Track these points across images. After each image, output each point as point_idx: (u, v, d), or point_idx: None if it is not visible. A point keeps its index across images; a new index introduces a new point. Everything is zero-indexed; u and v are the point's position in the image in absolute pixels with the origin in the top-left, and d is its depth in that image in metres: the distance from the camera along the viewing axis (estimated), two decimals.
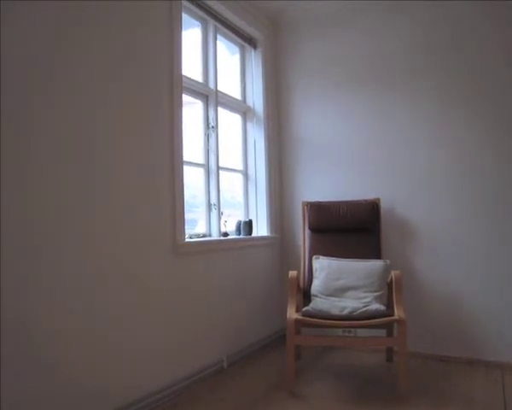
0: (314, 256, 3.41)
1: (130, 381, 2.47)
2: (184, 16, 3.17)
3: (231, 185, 3.91)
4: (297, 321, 2.80)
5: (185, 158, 3.01)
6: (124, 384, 2.44)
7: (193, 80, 3.29)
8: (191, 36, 3.45)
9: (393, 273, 2.98)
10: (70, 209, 2.18)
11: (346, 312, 2.92)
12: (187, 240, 2.97)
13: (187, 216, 3.03)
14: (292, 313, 2.84)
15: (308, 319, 2.79)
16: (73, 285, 2.18)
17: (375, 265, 3.22)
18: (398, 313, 2.75)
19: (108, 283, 2.37)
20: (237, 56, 4.04)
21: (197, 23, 3.48)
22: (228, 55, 3.98)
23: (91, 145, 2.31)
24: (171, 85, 2.86)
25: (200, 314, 3.04)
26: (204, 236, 3.35)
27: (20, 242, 1.96)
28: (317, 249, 3.50)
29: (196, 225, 3.40)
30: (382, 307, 2.92)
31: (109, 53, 2.43)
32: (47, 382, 2.05)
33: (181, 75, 2.97)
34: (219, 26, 3.58)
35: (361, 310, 2.90)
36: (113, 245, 2.40)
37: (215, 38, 3.55)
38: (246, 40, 3.96)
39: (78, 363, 2.20)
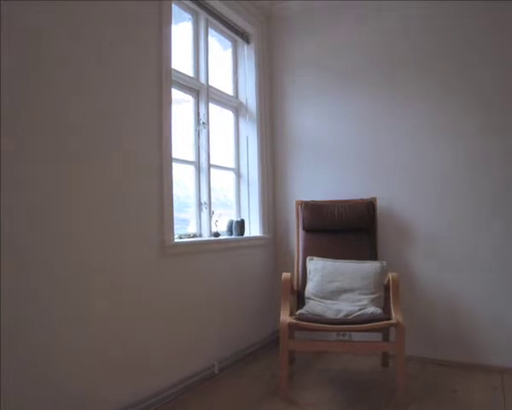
0: (308, 257, 3.30)
1: (114, 388, 2.35)
2: (175, 8, 3.05)
3: (223, 184, 3.79)
4: (290, 325, 2.69)
5: (175, 155, 2.90)
6: (109, 392, 2.31)
7: (183, 74, 3.17)
8: (182, 30, 3.33)
9: (390, 275, 2.88)
10: (52, 208, 2.06)
11: (341, 315, 2.82)
12: (176, 240, 2.84)
13: (180, 216, 2.91)
14: (285, 317, 2.73)
15: (302, 323, 2.68)
16: (57, 286, 2.06)
17: (371, 266, 3.11)
18: (395, 316, 2.65)
19: (92, 285, 2.24)
20: (229, 51, 3.92)
21: (188, 16, 3.36)
22: (220, 51, 3.87)
23: (73, 142, 2.18)
24: (160, 79, 2.74)
25: (189, 317, 2.92)
26: (194, 236, 3.23)
27: (7, 243, 1.84)
28: (312, 250, 3.39)
29: (189, 224, 3.28)
30: (378, 311, 2.82)
31: (97, 44, 2.31)
32: (44, 388, 1.98)
33: (170, 68, 2.85)
34: (211, 19, 3.46)
35: (356, 313, 2.81)
36: (97, 247, 2.28)
37: (206, 32, 3.43)
38: (238, 34, 3.84)
39: (67, 369, 2.10)
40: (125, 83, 2.49)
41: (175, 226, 2.87)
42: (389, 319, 2.67)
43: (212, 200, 3.38)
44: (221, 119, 3.77)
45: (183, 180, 3.25)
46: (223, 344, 3.25)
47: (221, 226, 3.46)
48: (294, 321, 2.69)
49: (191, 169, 3.30)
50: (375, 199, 3.49)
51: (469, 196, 3.27)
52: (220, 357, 3.19)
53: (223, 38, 3.82)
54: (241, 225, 3.54)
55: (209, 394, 2.81)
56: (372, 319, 2.67)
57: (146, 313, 2.57)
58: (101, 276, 2.29)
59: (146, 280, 2.57)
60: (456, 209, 3.31)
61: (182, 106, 3.28)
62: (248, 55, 3.92)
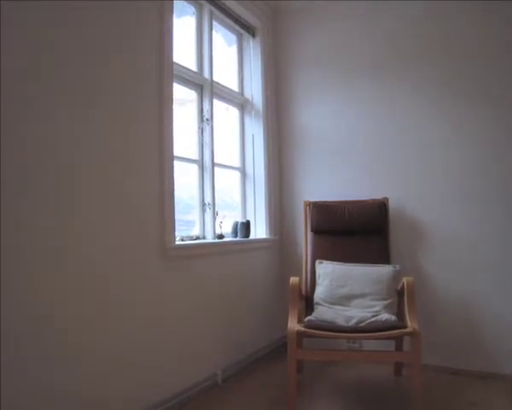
0: (317, 261, 3.14)
1: (108, 399, 2.19)
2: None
3: (227, 183, 3.64)
4: (299, 333, 2.53)
5: (177, 153, 2.75)
6: (103, 402, 2.16)
7: (186, 68, 3.02)
8: (185, 24, 3.19)
9: (405, 280, 2.71)
10: (47, 208, 1.92)
11: (352, 322, 2.65)
12: (177, 243, 2.69)
13: (185, 217, 2.77)
14: (293, 325, 2.56)
15: (311, 331, 2.51)
16: (55, 287, 1.93)
17: (383, 270, 2.95)
18: (411, 324, 2.47)
19: (88, 291, 2.09)
20: (234, 47, 3.77)
21: (192, 10, 3.21)
22: (225, 47, 3.72)
23: (68, 140, 2.04)
24: (161, 71, 2.59)
25: (191, 324, 2.77)
26: (197, 238, 3.07)
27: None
28: (321, 253, 3.23)
29: (194, 226, 3.14)
30: (393, 318, 2.65)
31: (91, 35, 2.16)
32: (43, 396, 1.87)
33: (172, 61, 2.70)
34: (215, 11, 3.32)
35: (369, 320, 2.64)
36: (93, 251, 2.13)
37: (211, 24, 3.28)
38: (243, 28, 3.69)
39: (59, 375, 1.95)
40: (123, 75, 2.34)
41: (181, 228, 2.75)
42: (404, 326, 2.50)
43: (218, 201, 3.24)
44: (226, 116, 3.62)
45: (188, 180, 3.10)
46: (227, 352, 3.09)
47: (225, 228, 3.31)
48: (303, 329, 2.52)
49: (194, 168, 3.15)
50: (386, 199, 3.32)
51: (487, 196, 3.10)
52: (224, 365, 3.03)
53: (227, 32, 3.68)
54: (246, 226, 3.38)
55: (212, 405, 2.66)
56: (386, 326, 2.50)
57: (145, 318, 2.41)
58: (98, 282, 2.15)
59: (145, 284, 2.42)
60: (472, 210, 3.14)
61: (186, 106, 3.15)
62: (254, 49, 3.77)
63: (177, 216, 2.71)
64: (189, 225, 3.10)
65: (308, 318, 2.73)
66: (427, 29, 3.29)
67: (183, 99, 3.16)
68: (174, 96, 2.71)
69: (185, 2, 3.13)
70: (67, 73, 2.04)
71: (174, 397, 2.59)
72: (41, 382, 1.88)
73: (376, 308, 2.78)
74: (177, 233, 2.78)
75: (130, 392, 2.31)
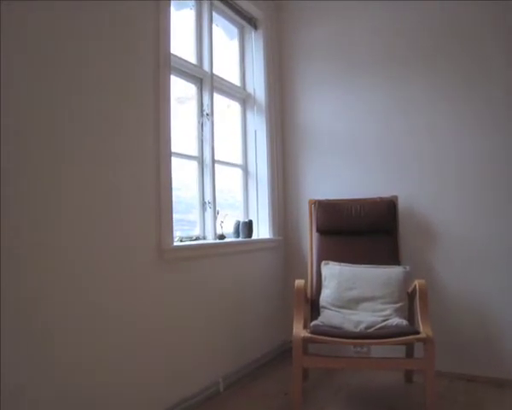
0: (323, 262, 2.99)
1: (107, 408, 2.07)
2: None
3: (229, 181, 3.50)
4: (305, 339, 2.38)
5: (175, 149, 2.61)
6: None
7: (184, 61, 2.88)
8: (184, 17, 3.05)
9: (417, 283, 2.56)
10: (38, 208, 1.80)
11: (361, 327, 2.51)
12: (175, 244, 2.55)
13: (187, 217, 2.64)
14: (299, 331, 2.42)
15: (318, 337, 2.37)
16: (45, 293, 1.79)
17: (393, 272, 2.81)
18: (424, 330, 2.32)
19: (82, 298, 1.96)
20: (236, 41, 3.63)
21: (191, 2, 3.07)
22: (226, 40, 3.58)
23: (60, 138, 1.90)
24: (158, 62, 2.45)
25: (191, 330, 2.63)
26: (197, 238, 2.93)
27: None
28: (327, 254, 3.08)
29: (195, 226, 3.00)
30: (404, 322, 2.51)
31: (85, 26, 2.03)
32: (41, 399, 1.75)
33: (169, 53, 2.56)
34: (216, 1, 3.17)
35: (379, 325, 2.51)
36: (86, 253, 1.99)
37: (211, 16, 3.14)
38: (245, 19, 3.55)
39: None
40: (116, 67, 2.20)
41: (183, 228, 2.63)
42: (417, 332, 2.35)
43: (219, 200, 3.10)
44: (227, 111, 3.48)
45: (190, 179, 2.97)
46: (228, 359, 2.95)
47: (227, 228, 3.17)
48: (309, 335, 2.38)
49: (194, 165, 3.01)
50: (395, 197, 3.17)
51: (501, 195, 2.95)
52: (225, 373, 2.89)
53: (228, 24, 3.54)
54: (248, 226, 3.24)
55: None
56: (398, 332, 2.36)
57: (141, 324, 2.27)
58: (92, 287, 2.01)
59: (142, 286, 2.29)
60: (487, 210, 2.99)
61: (185, 104, 3.02)
62: (256, 42, 3.63)
63: (180, 216, 2.58)
64: (191, 225, 2.97)
65: (314, 322, 2.59)
66: (442, 24, 3.13)
67: (183, 97, 3.03)
68: (174, 94, 2.57)
69: None
70: (59, 69, 1.90)
71: (176, 405, 2.46)
72: (39, 386, 1.77)
73: (387, 312, 2.64)
74: (178, 233, 2.65)
75: (131, 398, 2.18)
